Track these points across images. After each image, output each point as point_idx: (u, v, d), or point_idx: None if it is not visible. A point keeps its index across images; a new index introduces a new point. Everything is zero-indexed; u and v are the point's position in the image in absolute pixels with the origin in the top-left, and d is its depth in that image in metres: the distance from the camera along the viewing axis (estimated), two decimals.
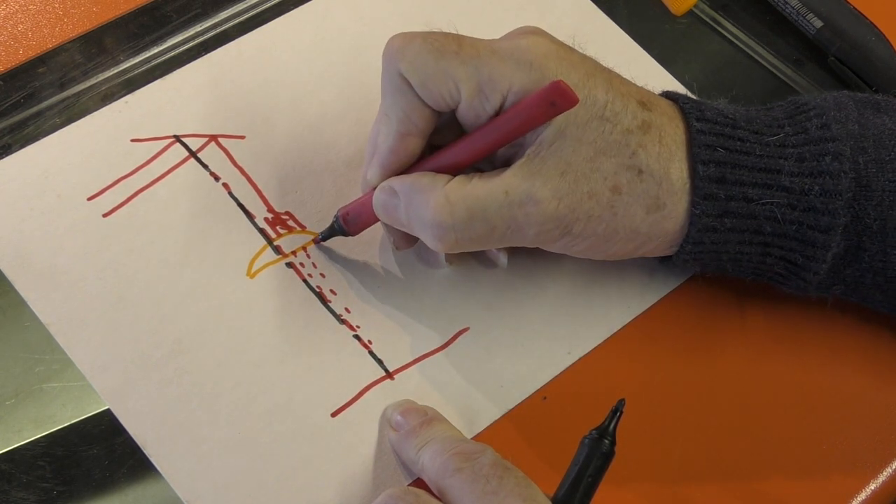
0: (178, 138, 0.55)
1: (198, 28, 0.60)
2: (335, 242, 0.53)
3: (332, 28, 0.60)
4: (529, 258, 0.53)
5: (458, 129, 0.48)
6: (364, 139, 0.55)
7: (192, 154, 0.55)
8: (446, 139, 0.48)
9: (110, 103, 0.56)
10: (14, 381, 0.50)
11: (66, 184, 0.54)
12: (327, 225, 0.52)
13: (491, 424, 0.49)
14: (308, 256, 0.53)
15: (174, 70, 0.58)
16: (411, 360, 0.50)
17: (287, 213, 0.54)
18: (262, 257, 0.52)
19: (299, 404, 0.49)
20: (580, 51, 0.48)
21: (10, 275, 0.51)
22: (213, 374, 0.49)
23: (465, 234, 0.46)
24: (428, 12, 0.60)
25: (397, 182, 0.48)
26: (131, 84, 0.57)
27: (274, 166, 0.55)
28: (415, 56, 0.46)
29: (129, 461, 0.47)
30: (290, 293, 0.52)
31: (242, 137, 0.56)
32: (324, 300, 0.52)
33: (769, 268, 0.49)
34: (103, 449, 0.48)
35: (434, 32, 0.47)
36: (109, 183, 0.54)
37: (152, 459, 0.47)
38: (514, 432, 0.49)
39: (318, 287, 0.52)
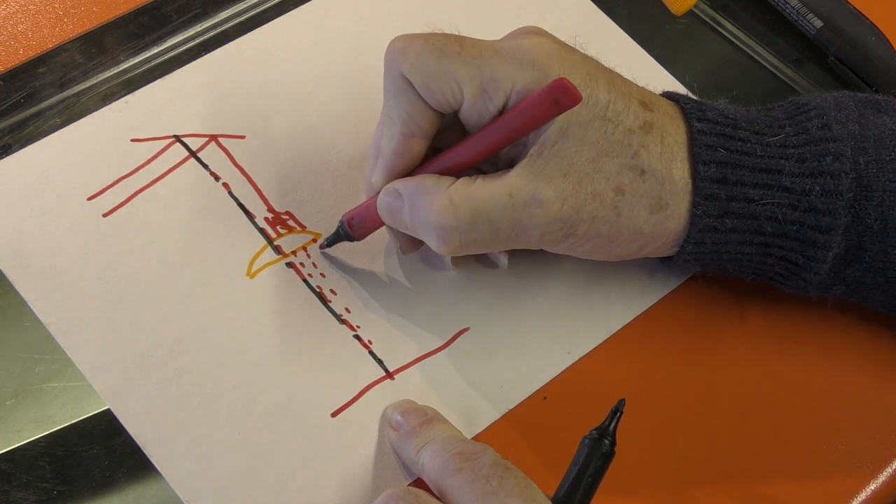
0: (178, 138, 0.55)
1: (198, 28, 0.60)
2: (337, 248, 0.52)
3: (332, 28, 0.60)
4: (529, 258, 0.53)
5: (461, 130, 0.48)
6: (364, 139, 0.55)
7: (193, 154, 0.55)
8: (450, 141, 0.48)
9: (110, 103, 0.56)
10: (14, 381, 0.50)
11: (66, 184, 0.54)
12: (327, 225, 0.52)
13: (491, 424, 0.49)
14: (308, 256, 0.53)
15: (174, 70, 0.58)
16: (411, 360, 0.50)
17: (287, 212, 0.54)
18: (263, 257, 0.52)
19: (299, 404, 0.49)
20: (581, 51, 0.48)
21: (10, 275, 0.51)
22: (213, 374, 0.49)
23: (469, 236, 0.46)
24: (428, 13, 0.60)
25: (401, 184, 0.47)
26: (131, 84, 0.57)
27: (274, 166, 0.55)
28: (417, 57, 0.46)
29: (129, 461, 0.47)
30: (291, 293, 0.51)
31: (242, 137, 0.56)
32: (324, 300, 0.52)
33: (770, 268, 0.49)
34: (103, 449, 0.48)
35: (436, 33, 0.47)
36: (109, 183, 0.54)
37: (152, 459, 0.47)
38: (514, 432, 0.49)
39: (318, 287, 0.52)
